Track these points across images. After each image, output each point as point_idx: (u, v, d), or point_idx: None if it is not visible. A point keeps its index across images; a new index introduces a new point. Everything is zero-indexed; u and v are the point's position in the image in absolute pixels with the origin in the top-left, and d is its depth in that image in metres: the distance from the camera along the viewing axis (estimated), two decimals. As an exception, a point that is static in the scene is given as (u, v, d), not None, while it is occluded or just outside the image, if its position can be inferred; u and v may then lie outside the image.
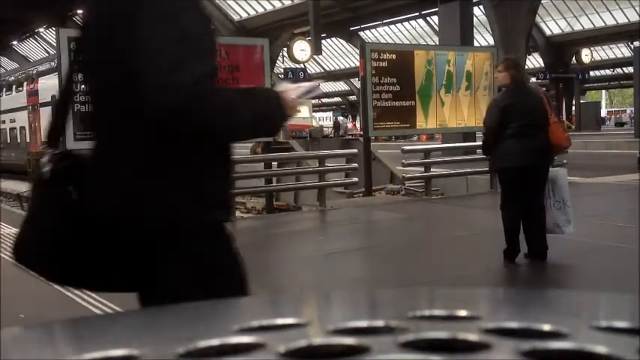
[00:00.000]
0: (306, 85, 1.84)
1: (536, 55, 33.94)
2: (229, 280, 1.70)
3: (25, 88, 19.93)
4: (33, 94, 19.15)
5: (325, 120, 51.96)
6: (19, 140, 20.67)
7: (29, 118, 19.44)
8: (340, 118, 44.17)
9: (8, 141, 21.28)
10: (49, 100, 17.67)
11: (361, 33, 34.67)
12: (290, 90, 1.75)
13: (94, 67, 1.75)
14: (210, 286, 1.63)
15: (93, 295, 4.76)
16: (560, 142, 5.46)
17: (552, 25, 32.49)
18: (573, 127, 32.21)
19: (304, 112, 34.70)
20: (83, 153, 1.80)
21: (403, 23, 34.89)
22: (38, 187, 1.73)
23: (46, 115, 17.91)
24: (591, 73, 37.19)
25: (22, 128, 20.12)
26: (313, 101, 38.61)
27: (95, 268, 1.71)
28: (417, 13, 32.43)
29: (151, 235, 1.61)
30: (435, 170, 11.01)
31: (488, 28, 22.84)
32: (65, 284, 1.83)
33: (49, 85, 18.01)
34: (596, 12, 30.69)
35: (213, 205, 1.66)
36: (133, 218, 1.61)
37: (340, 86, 48.16)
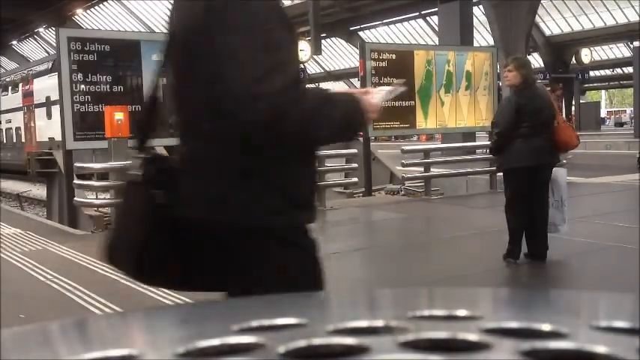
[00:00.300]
0: (385, 89, 1.87)
1: (535, 55, 33.94)
2: (309, 281, 1.71)
3: (20, 89, 20.08)
4: (28, 95, 19.29)
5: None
6: (14, 140, 20.83)
7: (24, 118, 19.60)
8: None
9: (4, 141, 21.46)
10: (44, 100, 17.74)
11: (361, 33, 34.68)
12: (370, 94, 1.78)
13: (179, 74, 1.77)
14: (293, 286, 1.64)
15: (93, 295, 4.76)
16: (570, 141, 5.47)
17: (552, 25, 32.49)
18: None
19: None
20: (171, 157, 1.84)
21: (403, 23, 34.90)
22: (128, 190, 1.78)
23: (41, 115, 18.01)
24: (591, 73, 37.19)
25: (18, 128, 20.28)
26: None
27: (182, 268, 1.74)
28: (417, 13, 32.44)
29: (237, 237, 1.63)
30: (434, 170, 11.01)
31: (488, 28, 22.84)
32: (153, 284, 1.85)
33: (43, 87, 18.11)
34: (596, 12, 30.69)
35: (298, 206, 1.68)
36: (219, 220, 1.64)
37: (340, 86, 48.20)
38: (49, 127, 16.69)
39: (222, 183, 1.63)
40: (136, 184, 1.74)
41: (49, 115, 17.44)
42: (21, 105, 19.92)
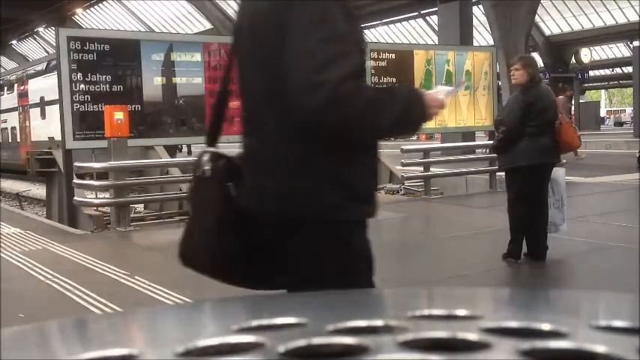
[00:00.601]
0: (446, 88, 1.90)
1: (535, 54, 33.94)
2: (362, 278, 1.75)
3: (15, 89, 20.22)
4: (23, 95, 19.40)
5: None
6: (10, 140, 20.98)
7: (20, 118, 19.74)
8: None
9: (0, 141, 21.66)
10: (38, 101, 17.83)
11: (361, 33, 34.64)
12: (433, 91, 1.80)
13: (244, 69, 1.81)
14: (351, 280, 1.69)
15: (93, 294, 4.76)
16: (573, 141, 5.47)
17: (552, 24, 32.48)
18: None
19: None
20: (237, 152, 1.86)
21: (403, 23, 34.88)
22: (199, 184, 1.81)
23: (35, 115, 18.12)
24: (591, 73, 37.16)
25: (14, 128, 20.45)
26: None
27: (249, 264, 1.78)
28: (417, 13, 32.42)
29: (296, 230, 1.67)
30: (434, 170, 11.01)
31: (488, 28, 22.83)
32: (223, 280, 1.86)
33: (38, 87, 18.17)
34: (596, 12, 30.68)
35: (358, 200, 1.70)
36: (278, 213, 1.67)
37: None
38: (43, 127, 16.78)
39: (282, 176, 1.67)
40: (207, 179, 1.77)
41: (42, 116, 17.52)
42: (16, 105, 20.04)
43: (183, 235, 1.82)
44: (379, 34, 36.08)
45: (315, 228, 1.66)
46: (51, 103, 16.47)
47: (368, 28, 34.97)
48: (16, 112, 20.03)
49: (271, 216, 1.68)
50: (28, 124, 19.05)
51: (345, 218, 1.68)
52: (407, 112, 1.70)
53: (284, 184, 1.66)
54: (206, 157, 1.78)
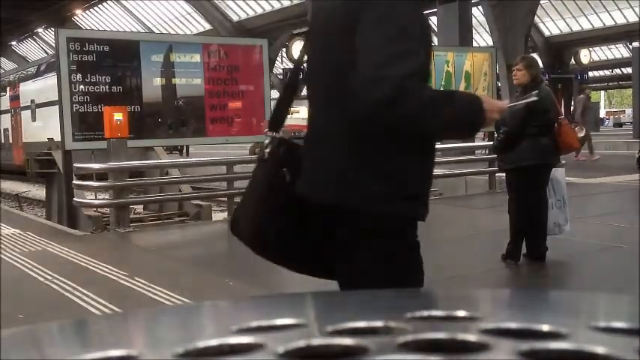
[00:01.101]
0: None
1: (535, 55, 33.95)
2: (414, 275, 1.80)
3: (7, 92, 20.43)
4: (15, 98, 19.57)
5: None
6: (2, 141, 21.21)
7: (12, 120, 19.96)
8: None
9: None
10: (29, 104, 18.00)
11: (360, 33, 34.68)
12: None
13: (316, 64, 1.87)
14: (398, 278, 1.73)
15: (92, 295, 4.76)
16: (573, 142, 5.47)
17: (551, 25, 32.50)
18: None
19: (303, 112, 34.74)
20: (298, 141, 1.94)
21: (402, 24, 34.93)
22: (258, 166, 1.89)
23: (26, 118, 18.41)
24: (590, 74, 37.19)
25: (6, 130, 20.72)
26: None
27: (298, 248, 1.85)
28: (416, 14, 32.47)
29: (347, 220, 1.71)
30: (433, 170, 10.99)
31: (487, 29, 22.84)
32: (271, 259, 1.94)
33: (29, 90, 18.35)
34: (595, 13, 30.70)
35: (409, 199, 1.73)
36: (334, 203, 1.72)
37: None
38: (34, 129, 16.89)
39: (337, 166, 1.72)
40: (265, 162, 1.85)
41: (33, 118, 17.66)
42: (8, 108, 20.22)
43: (235, 208, 1.97)
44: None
45: (363, 219, 1.70)
46: (40, 105, 16.62)
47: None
48: (9, 115, 20.21)
49: (323, 203, 1.73)
50: (19, 127, 19.20)
51: (394, 213, 1.71)
52: (464, 114, 1.72)
53: (338, 174, 1.71)
54: (268, 141, 1.85)
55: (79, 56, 8.89)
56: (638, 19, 27.64)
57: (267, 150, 1.84)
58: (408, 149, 1.71)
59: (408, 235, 1.77)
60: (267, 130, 1.92)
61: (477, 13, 23.81)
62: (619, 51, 38.15)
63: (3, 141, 20.98)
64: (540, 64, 33.46)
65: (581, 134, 8.64)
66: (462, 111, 1.72)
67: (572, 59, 33.16)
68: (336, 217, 1.72)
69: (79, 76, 8.89)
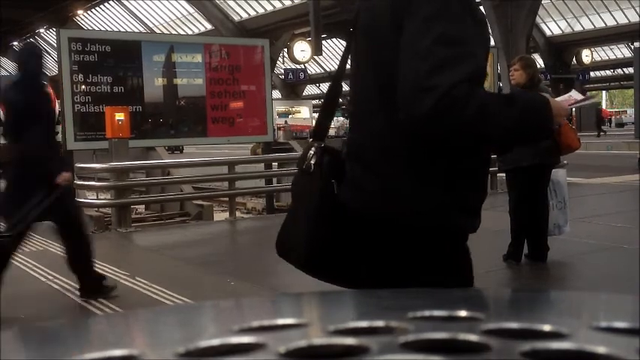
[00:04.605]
0: (580, 96, 1.80)
1: (536, 55, 33.96)
2: (466, 287, 1.71)
3: None
4: None
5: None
6: None
7: None
8: (340, 119, 44.14)
9: None
10: None
11: (361, 34, 34.67)
12: (561, 98, 1.70)
13: (360, 66, 1.76)
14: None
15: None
16: (573, 143, 5.47)
17: (552, 25, 32.49)
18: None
19: (304, 112, 34.71)
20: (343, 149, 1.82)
21: (403, 24, 34.93)
22: (302, 178, 1.78)
23: None
24: (592, 74, 37.17)
25: None
26: (313, 102, 38.60)
27: (346, 261, 1.73)
28: (418, 14, 32.49)
29: (394, 232, 1.62)
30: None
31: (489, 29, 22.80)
32: (319, 277, 1.84)
33: None
34: (597, 13, 30.68)
35: (464, 212, 1.64)
36: (383, 215, 1.62)
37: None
38: None
39: (385, 176, 1.62)
40: (311, 174, 1.73)
41: None
42: None
43: (282, 227, 1.82)
44: (380, 35, 36.13)
45: (413, 232, 1.60)
46: None
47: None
48: None
49: (371, 215, 1.64)
50: None
51: (451, 226, 1.63)
52: (527, 119, 1.56)
53: (387, 184, 1.61)
54: (312, 152, 1.74)
55: (81, 56, 8.90)
56: (639, 19, 27.62)
57: (313, 161, 1.73)
58: (461, 159, 1.60)
59: (461, 247, 1.70)
60: (311, 139, 1.81)
61: (479, 13, 23.79)
62: (620, 51, 38.11)
63: None
64: (542, 65, 33.53)
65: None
66: (525, 115, 1.55)
67: (574, 59, 33.15)
68: (384, 229, 1.63)
69: (80, 76, 8.89)
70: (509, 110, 1.53)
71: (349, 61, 1.85)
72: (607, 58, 39.18)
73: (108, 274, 5.48)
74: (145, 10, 36.20)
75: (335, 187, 1.69)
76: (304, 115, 33.98)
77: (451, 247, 1.66)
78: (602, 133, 30.87)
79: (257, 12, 29.05)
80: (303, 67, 29.33)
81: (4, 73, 48.77)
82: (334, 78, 1.89)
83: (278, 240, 1.82)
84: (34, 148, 4.35)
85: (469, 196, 1.64)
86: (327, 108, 1.91)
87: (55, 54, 11.44)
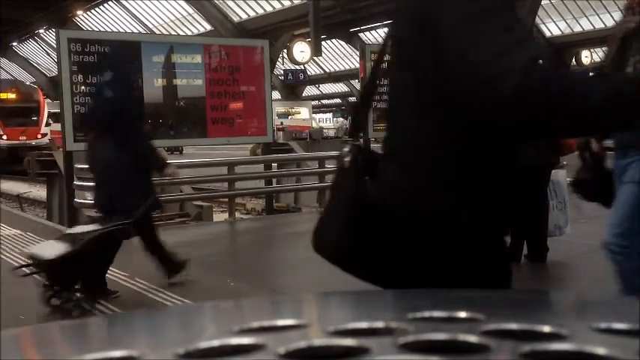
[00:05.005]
0: None
1: (536, 56, 33.96)
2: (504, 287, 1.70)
3: None
4: None
5: (325, 121, 52.01)
6: None
7: None
8: (340, 119, 44.17)
9: None
10: None
11: (361, 34, 34.67)
12: None
13: (396, 65, 1.75)
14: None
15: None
16: (572, 144, 5.48)
17: (552, 26, 32.49)
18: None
19: (304, 113, 34.70)
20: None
21: (403, 24, 34.90)
22: (339, 175, 1.79)
23: None
24: (591, 75, 37.13)
25: None
26: (313, 102, 38.57)
27: (377, 259, 1.73)
28: (417, 15, 32.46)
29: (429, 234, 1.61)
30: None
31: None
32: (351, 273, 1.84)
33: None
34: (596, 14, 30.69)
35: (494, 214, 1.62)
36: (414, 216, 1.62)
37: (340, 87, 48.12)
38: None
39: (417, 176, 1.62)
40: (346, 171, 1.75)
41: None
42: None
43: (318, 221, 1.83)
44: (380, 35, 36.12)
45: (442, 232, 1.60)
46: None
47: (368, 29, 35.04)
48: None
49: (401, 214, 1.63)
50: None
51: (488, 230, 1.61)
52: (621, 94, 1.41)
53: (419, 185, 1.61)
54: (347, 149, 1.76)
55: (80, 57, 8.90)
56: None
57: (348, 159, 1.73)
58: (499, 160, 1.58)
59: (491, 249, 1.67)
60: (347, 137, 1.81)
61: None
62: (620, 52, 38.10)
63: None
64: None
65: None
66: (615, 91, 1.41)
67: (574, 60, 33.16)
68: (415, 230, 1.62)
69: (80, 76, 8.89)
70: (598, 83, 1.44)
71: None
72: (606, 58, 39.17)
73: (108, 275, 5.48)
74: (145, 10, 36.19)
75: (369, 184, 1.70)
76: (304, 115, 33.99)
77: (480, 248, 1.65)
78: None
79: (256, 13, 29.04)
80: (303, 67, 29.31)
81: (3, 73, 48.77)
82: (370, 75, 1.89)
83: (313, 234, 1.83)
84: (142, 143, 4.76)
85: (498, 199, 1.62)
86: (362, 108, 1.91)
87: (54, 54, 11.43)
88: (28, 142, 22.96)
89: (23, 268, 4.46)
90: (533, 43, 1.46)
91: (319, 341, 0.47)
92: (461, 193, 1.59)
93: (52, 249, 4.32)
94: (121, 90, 4.85)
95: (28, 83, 31.81)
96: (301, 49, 25.69)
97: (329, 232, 1.77)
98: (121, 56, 5.14)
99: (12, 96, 24.66)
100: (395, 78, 1.76)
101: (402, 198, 1.64)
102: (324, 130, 26.22)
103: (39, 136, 23.71)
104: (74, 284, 4.36)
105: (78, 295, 4.32)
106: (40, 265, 4.29)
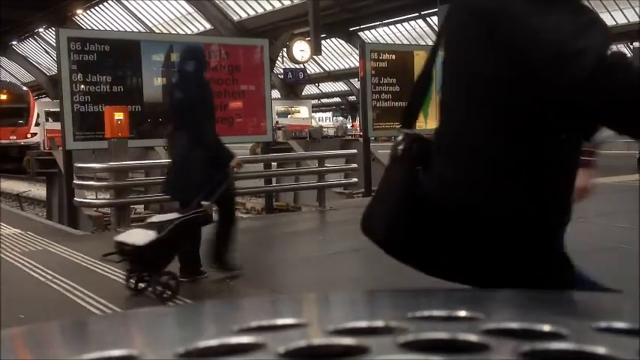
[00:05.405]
0: None
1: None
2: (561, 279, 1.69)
3: None
4: None
5: (325, 120, 52.03)
6: None
7: None
8: (340, 118, 44.16)
9: None
10: None
11: (361, 33, 34.68)
12: None
13: (450, 56, 1.74)
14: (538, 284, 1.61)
15: (93, 295, 4.76)
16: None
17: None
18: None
19: (304, 112, 34.70)
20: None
21: (403, 24, 34.89)
22: (392, 162, 1.78)
23: None
24: (591, 74, 37.16)
25: None
26: (313, 101, 38.55)
27: (425, 248, 1.74)
28: (417, 14, 32.42)
29: (478, 224, 1.61)
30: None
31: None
32: (401, 259, 1.83)
33: None
34: (619, 9, 30.66)
35: (547, 205, 1.60)
36: (464, 207, 1.62)
37: (340, 87, 48.13)
38: None
39: (463, 167, 1.62)
40: (398, 159, 1.75)
41: None
42: None
43: (367, 206, 1.85)
44: (379, 34, 36.12)
45: (492, 224, 1.60)
46: None
47: (368, 28, 35.04)
48: None
49: (450, 206, 1.64)
50: None
51: (525, 219, 1.60)
52: None
53: (473, 177, 1.61)
54: (401, 138, 1.75)
55: (80, 56, 8.90)
56: (638, 19, 27.65)
57: (401, 147, 1.74)
58: (552, 154, 1.57)
59: (544, 241, 1.65)
60: (400, 126, 1.81)
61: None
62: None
63: None
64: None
65: None
66: None
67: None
68: (465, 220, 1.62)
69: (79, 75, 8.89)
70: None
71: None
72: (606, 58, 39.17)
73: (107, 274, 5.48)
74: (144, 9, 36.19)
75: (421, 174, 1.69)
76: (303, 115, 33.98)
77: (531, 241, 1.63)
78: None
79: (256, 12, 29.04)
80: (303, 66, 29.32)
81: (3, 72, 48.75)
82: (425, 68, 1.87)
83: (363, 217, 1.84)
84: (213, 136, 5.14)
85: (552, 189, 1.61)
86: (416, 97, 1.89)
87: (54, 53, 11.43)
88: (17, 141, 23.75)
89: (112, 255, 4.75)
90: (602, 27, 1.45)
91: (319, 340, 0.46)
92: (517, 185, 1.58)
93: (140, 236, 4.65)
94: (195, 89, 5.14)
95: (19, 85, 32.20)
96: (301, 48, 25.71)
97: (378, 218, 1.78)
98: (196, 55, 5.39)
99: (3, 97, 25.34)
100: (447, 71, 1.75)
101: (455, 190, 1.64)
102: (324, 129, 26.20)
103: (29, 135, 24.47)
104: (162, 268, 4.67)
105: (165, 278, 4.63)
106: (129, 251, 4.60)
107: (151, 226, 4.81)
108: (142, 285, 4.72)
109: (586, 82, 1.38)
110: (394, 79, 11.22)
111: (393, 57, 11.32)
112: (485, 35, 1.56)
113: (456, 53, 1.72)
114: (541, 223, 1.63)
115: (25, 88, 30.16)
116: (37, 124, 24.78)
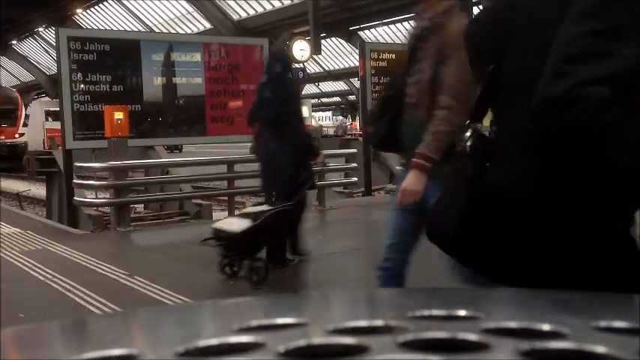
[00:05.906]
0: None
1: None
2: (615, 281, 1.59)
3: None
4: None
5: (325, 120, 52.00)
6: None
7: None
8: (340, 118, 44.17)
9: None
10: None
11: (361, 33, 34.67)
12: None
13: (516, 52, 1.69)
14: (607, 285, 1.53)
15: (93, 294, 4.76)
16: None
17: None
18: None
19: (303, 111, 34.73)
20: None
21: (403, 23, 34.89)
22: (459, 160, 1.74)
23: None
24: (591, 73, 37.17)
25: None
26: (313, 101, 38.55)
27: (490, 251, 1.67)
28: (417, 13, 32.45)
29: (547, 224, 1.56)
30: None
31: (488, 28, 22.76)
32: (462, 261, 1.80)
33: None
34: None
35: (609, 207, 1.54)
36: (528, 206, 1.57)
37: (340, 86, 48.12)
38: None
39: (525, 165, 1.57)
40: (466, 156, 1.70)
41: None
42: None
43: (433, 209, 1.79)
44: (379, 34, 36.11)
45: (554, 226, 1.55)
46: None
47: (368, 28, 35.04)
48: None
49: (513, 206, 1.59)
50: None
51: (587, 221, 1.54)
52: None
53: (530, 175, 1.57)
54: (469, 134, 1.70)
55: (80, 55, 8.90)
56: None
57: (469, 143, 1.68)
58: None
59: (610, 242, 1.58)
60: (468, 122, 1.74)
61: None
62: (620, 50, 38.14)
63: None
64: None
65: None
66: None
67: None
68: (532, 219, 1.57)
69: (79, 75, 8.89)
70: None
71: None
72: (606, 57, 39.19)
73: (107, 273, 5.48)
74: (144, 9, 36.18)
75: (489, 171, 1.65)
76: (303, 114, 33.99)
77: (595, 242, 1.57)
78: None
79: (256, 11, 29.04)
80: (303, 66, 29.29)
81: (3, 72, 48.73)
82: (495, 64, 1.86)
83: (428, 221, 1.81)
84: (304, 135, 5.68)
85: (614, 191, 1.53)
86: (487, 91, 1.82)
87: (54, 52, 11.43)
88: (6, 140, 24.41)
89: (209, 240, 5.17)
90: (611, 63, 1.35)
91: (319, 340, 0.46)
92: (566, 186, 1.53)
93: (236, 224, 5.07)
94: (283, 88, 5.50)
95: (8, 88, 32.60)
96: (301, 48, 25.66)
97: (445, 219, 1.73)
98: (282, 57, 5.73)
99: None
100: (510, 68, 1.70)
101: (523, 188, 1.59)
102: (324, 129, 26.18)
103: (16, 135, 25.13)
104: (255, 254, 5.09)
105: (257, 263, 5.02)
106: (225, 237, 5.03)
107: (246, 215, 5.23)
108: (233, 269, 5.17)
109: (546, 105, 1.37)
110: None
111: (393, 56, 11.31)
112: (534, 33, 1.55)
113: (509, 48, 1.67)
114: (623, 223, 1.57)
115: (14, 90, 30.83)
116: (24, 125, 25.36)
